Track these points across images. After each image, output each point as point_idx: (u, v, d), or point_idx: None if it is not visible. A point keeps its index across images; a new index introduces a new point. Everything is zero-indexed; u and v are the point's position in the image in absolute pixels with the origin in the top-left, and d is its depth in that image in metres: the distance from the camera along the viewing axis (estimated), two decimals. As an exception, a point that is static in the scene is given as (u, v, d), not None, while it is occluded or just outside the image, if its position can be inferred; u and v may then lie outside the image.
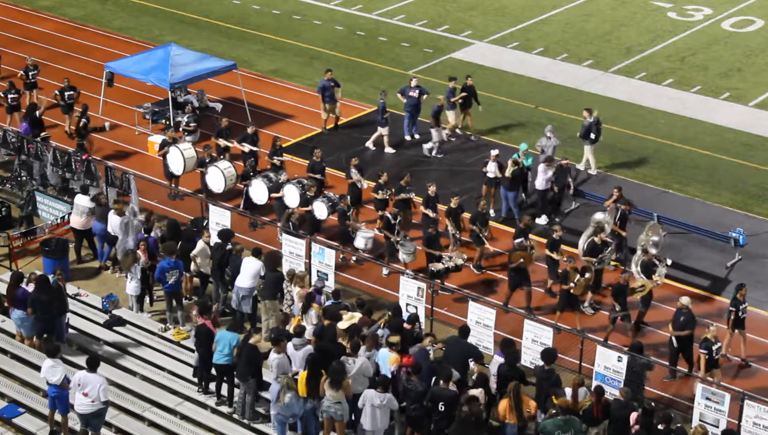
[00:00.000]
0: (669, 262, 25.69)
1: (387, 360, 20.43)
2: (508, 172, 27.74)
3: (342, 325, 21.45)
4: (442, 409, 19.57)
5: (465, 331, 21.56)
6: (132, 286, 23.96)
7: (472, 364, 20.85)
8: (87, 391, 19.31)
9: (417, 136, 32.36)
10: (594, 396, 19.92)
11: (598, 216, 25.96)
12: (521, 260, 24.31)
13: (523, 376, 20.69)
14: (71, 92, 32.16)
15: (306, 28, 40.73)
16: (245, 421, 20.72)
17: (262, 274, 23.21)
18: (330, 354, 20.28)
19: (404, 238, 25.95)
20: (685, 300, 22.63)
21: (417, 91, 31.70)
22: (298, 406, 19.84)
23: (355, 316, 21.82)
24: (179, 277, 23.49)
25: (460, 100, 31.73)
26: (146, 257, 23.94)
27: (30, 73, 33.12)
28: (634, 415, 19.54)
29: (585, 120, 30.14)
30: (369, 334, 20.94)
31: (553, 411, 19.36)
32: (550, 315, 24.49)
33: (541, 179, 28.05)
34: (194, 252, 24.06)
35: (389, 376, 20.28)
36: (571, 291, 23.73)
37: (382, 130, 31.54)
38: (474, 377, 20.44)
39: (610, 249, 25.13)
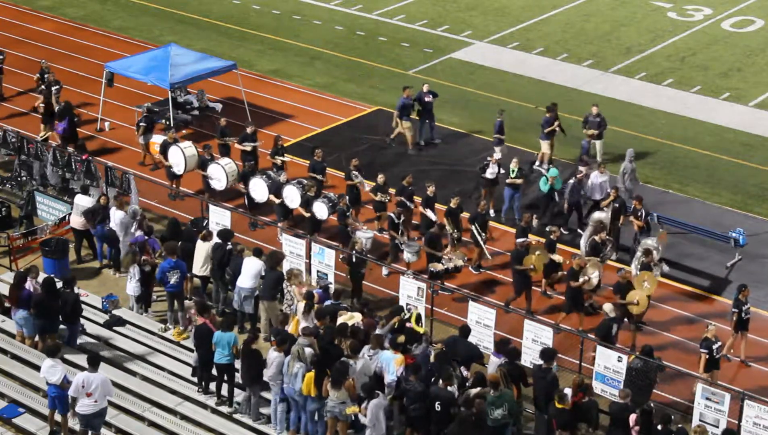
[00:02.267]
0: (666, 268, 25.63)
1: (391, 362, 20.40)
2: (512, 174, 27.77)
3: (348, 321, 21.48)
4: (439, 410, 19.59)
5: (465, 330, 21.58)
6: (132, 287, 23.96)
7: (465, 372, 20.88)
8: (90, 391, 19.32)
9: (438, 141, 32.19)
10: (574, 389, 20.00)
11: (597, 215, 25.97)
12: (531, 268, 24.27)
13: (523, 373, 20.70)
14: (57, 87, 32.43)
15: (306, 28, 40.74)
16: (250, 421, 20.76)
17: (263, 274, 23.21)
18: (335, 354, 20.36)
19: (408, 238, 25.99)
20: (606, 307, 22.57)
21: (431, 96, 31.56)
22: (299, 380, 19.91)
23: (354, 317, 21.82)
24: (181, 278, 23.48)
25: (557, 128, 30.48)
26: (151, 258, 23.93)
27: (45, 76, 32.96)
28: (633, 416, 19.54)
29: (592, 113, 30.07)
30: (375, 335, 20.96)
31: (486, 388, 19.61)
32: (549, 315, 24.50)
33: (597, 187, 27.66)
34: (202, 257, 24.07)
35: (395, 378, 20.32)
36: (584, 286, 23.72)
37: (498, 151, 30.29)
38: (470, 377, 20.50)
39: (609, 247, 25.16)
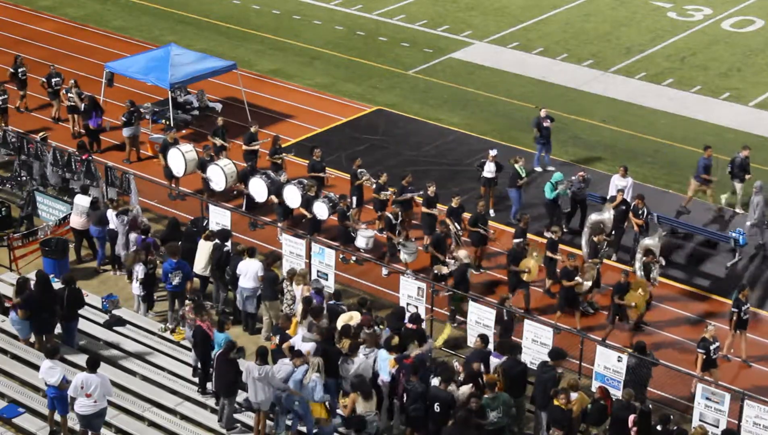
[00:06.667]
0: (662, 261, 25.60)
1: (386, 363, 20.45)
2: (524, 175, 27.81)
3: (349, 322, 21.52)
4: (438, 410, 19.60)
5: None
6: (136, 287, 23.91)
7: (456, 364, 20.91)
8: (90, 392, 19.31)
9: (552, 168, 30.21)
10: (602, 394, 20.04)
11: (595, 216, 25.99)
12: (527, 270, 24.28)
13: (525, 368, 20.75)
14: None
15: (306, 28, 40.75)
16: (223, 429, 20.58)
17: (261, 274, 23.17)
18: (333, 354, 20.41)
19: (406, 239, 25.97)
20: (461, 253, 23.73)
21: (549, 121, 30.40)
22: (316, 391, 19.73)
23: (353, 316, 21.82)
24: (183, 278, 23.44)
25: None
26: (152, 256, 23.89)
27: (53, 81, 32.98)
28: (632, 417, 19.54)
29: (741, 155, 28.77)
30: (368, 333, 20.96)
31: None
32: (549, 315, 24.50)
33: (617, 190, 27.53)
34: (205, 257, 24.06)
35: (388, 378, 20.34)
36: (580, 298, 23.78)
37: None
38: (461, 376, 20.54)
39: (605, 245, 25.17)
